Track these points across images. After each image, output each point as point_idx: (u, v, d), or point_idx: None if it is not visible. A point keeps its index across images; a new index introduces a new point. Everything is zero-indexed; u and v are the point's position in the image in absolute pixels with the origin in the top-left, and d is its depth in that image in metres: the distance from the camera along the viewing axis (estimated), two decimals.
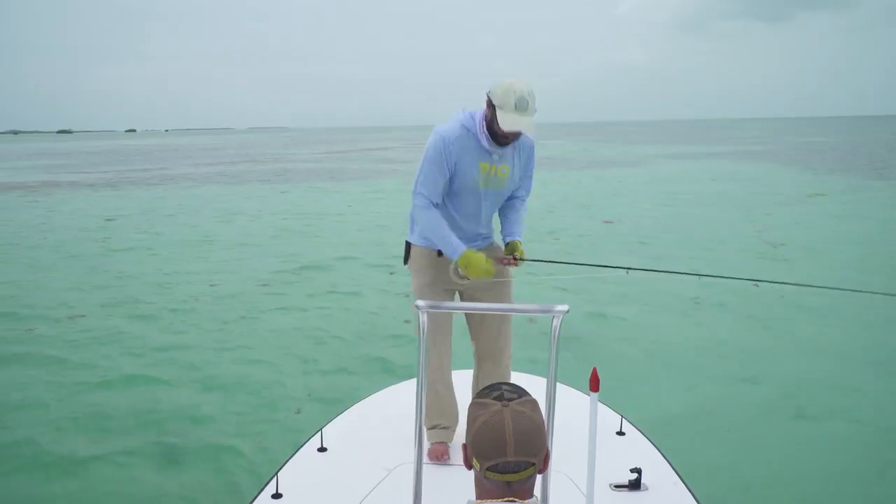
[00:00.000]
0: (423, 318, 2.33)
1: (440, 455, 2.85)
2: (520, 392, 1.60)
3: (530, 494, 1.54)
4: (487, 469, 1.50)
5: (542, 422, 1.56)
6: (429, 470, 2.73)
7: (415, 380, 2.39)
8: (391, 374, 6.07)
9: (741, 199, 19.25)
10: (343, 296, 9.29)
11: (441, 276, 2.99)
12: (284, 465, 2.75)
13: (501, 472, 1.49)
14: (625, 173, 29.44)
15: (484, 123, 2.77)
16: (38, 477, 4.64)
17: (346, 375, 6.33)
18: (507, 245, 3.04)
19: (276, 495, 2.51)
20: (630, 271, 3.07)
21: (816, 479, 4.40)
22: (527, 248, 3.04)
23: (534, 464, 1.52)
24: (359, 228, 15.21)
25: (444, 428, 3.00)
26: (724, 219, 15.52)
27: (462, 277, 2.93)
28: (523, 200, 3.12)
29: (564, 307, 2.35)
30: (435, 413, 3.01)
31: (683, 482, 2.67)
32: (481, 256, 2.82)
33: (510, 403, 1.53)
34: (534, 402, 1.58)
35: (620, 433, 3.06)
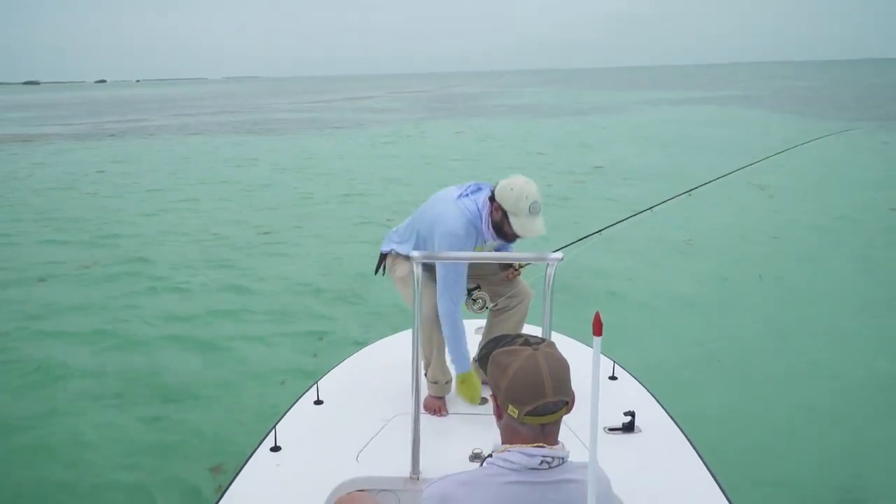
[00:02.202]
0: (418, 269, 2.32)
1: (438, 409, 2.87)
2: (538, 337, 1.62)
3: (556, 440, 1.56)
4: (527, 414, 1.50)
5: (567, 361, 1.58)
6: (426, 419, 2.75)
7: (409, 331, 2.38)
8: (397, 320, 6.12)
9: (729, 143, 19.20)
10: (338, 243, 9.30)
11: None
12: (282, 418, 2.75)
13: (540, 415, 1.51)
14: (614, 120, 29.26)
15: (490, 221, 2.76)
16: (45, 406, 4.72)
17: (355, 321, 6.36)
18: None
19: (275, 448, 2.51)
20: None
21: (807, 420, 4.46)
22: None
23: (567, 402, 1.54)
24: (352, 177, 15.12)
25: (447, 383, 3.02)
26: (714, 163, 15.49)
27: (480, 308, 3.00)
28: None
29: (559, 255, 2.34)
30: (438, 368, 3.00)
31: (676, 424, 2.71)
32: (477, 385, 2.88)
33: (539, 347, 1.55)
34: (554, 344, 1.60)
35: (613, 377, 3.09)
